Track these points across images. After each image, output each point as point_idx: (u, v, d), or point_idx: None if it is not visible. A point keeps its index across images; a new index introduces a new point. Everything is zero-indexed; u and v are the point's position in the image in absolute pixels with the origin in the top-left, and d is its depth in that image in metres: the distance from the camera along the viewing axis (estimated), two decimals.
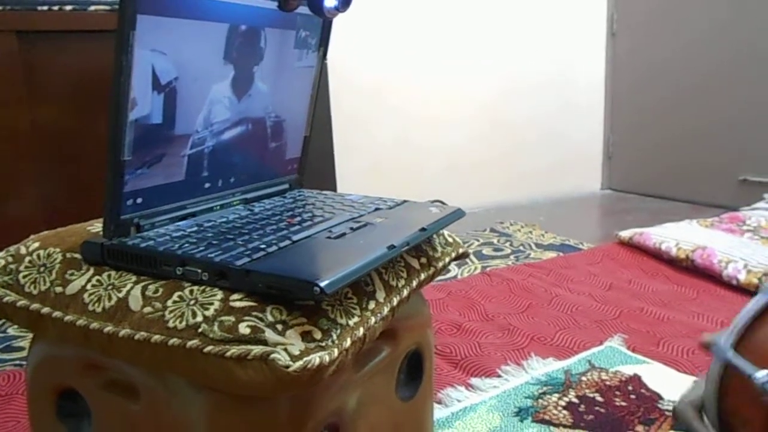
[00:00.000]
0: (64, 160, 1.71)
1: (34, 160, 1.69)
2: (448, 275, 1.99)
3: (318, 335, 0.50)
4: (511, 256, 2.17)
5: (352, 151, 2.65)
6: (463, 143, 3.02)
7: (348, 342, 0.52)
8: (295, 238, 0.58)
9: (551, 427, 1.09)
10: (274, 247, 0.55)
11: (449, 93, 2.96)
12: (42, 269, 0.60)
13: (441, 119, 2.95)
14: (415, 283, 0.66)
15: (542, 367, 1.32)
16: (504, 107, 3.11)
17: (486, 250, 2.26)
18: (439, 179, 2.94)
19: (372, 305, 0.58)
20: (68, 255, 0.60)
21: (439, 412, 1.15)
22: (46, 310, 0.57)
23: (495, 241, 2.39)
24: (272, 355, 0.47)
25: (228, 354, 0.48)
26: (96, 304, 0.55)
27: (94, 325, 0.54)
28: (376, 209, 0.72)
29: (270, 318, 0.49)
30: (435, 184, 2.94)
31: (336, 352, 0.50)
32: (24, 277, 0.60)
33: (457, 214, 0.73)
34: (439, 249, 0.73)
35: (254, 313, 0.50)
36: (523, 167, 3.20)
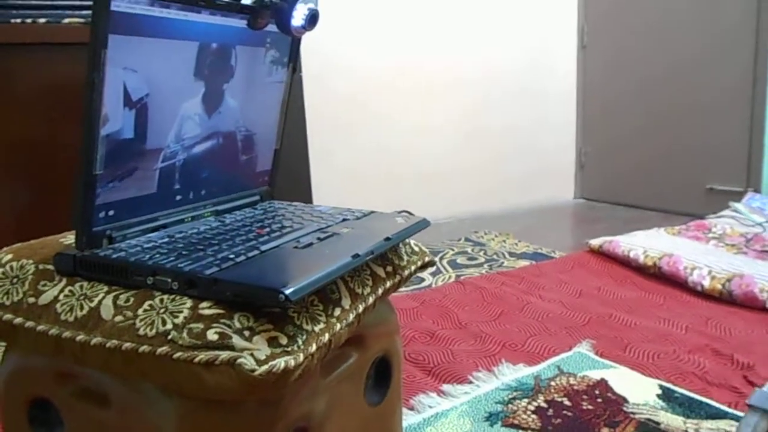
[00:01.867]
0: (35, 172, 1.71)
1: (5, 172, 1.68)
2: (422, 284, 2.01)
3: (284, 341, 0.52)
4: (485, 265, 2.20)
5: (328, 161, 2.67)
6: (439, 154, 3.07)
7: (313, 347, 0.54)
8: (263, 248, 0.61)
9: (520, 431, 1.12)
10: (243, 257, 0.57)
11: (425, 104, 3.00)
12: (15, 280, 0.61)
13: (417, 130, 2.99)
14: (380, 291, 0.69)
15: (512, 373, 1.35)
16: (479, 118, 3.16)
17: (460, 259, 2.29)
18: (415, 189, 2.98)
19: (337, 312, 0.60)
20: (41, 266, 0.62)
21: (411, 418, 1.17)
22: (18, 320, 0.59)
23: (469, 250, 2.43)
24: (239, 360, 0.49)
25: (197, 360, 0.50)
26: (68, 314, 0.56)
27: (67, 334, 0.56)
28: (344, 220, 0.75)
29: (237, 325, 0.52)
30: (410, 194, 2.98)
31: (301, 356, 0.52)
32: None
33: (422, 224, 0.75)
34: (405, 258, 0.76)
35: (222, 320, 0.52)
36: (498, 177, 3.25)
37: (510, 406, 1.21)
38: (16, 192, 1.69)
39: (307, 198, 2.01)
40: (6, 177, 1.68)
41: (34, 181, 1.70)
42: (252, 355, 0.50)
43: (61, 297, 0.58)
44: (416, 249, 0.79)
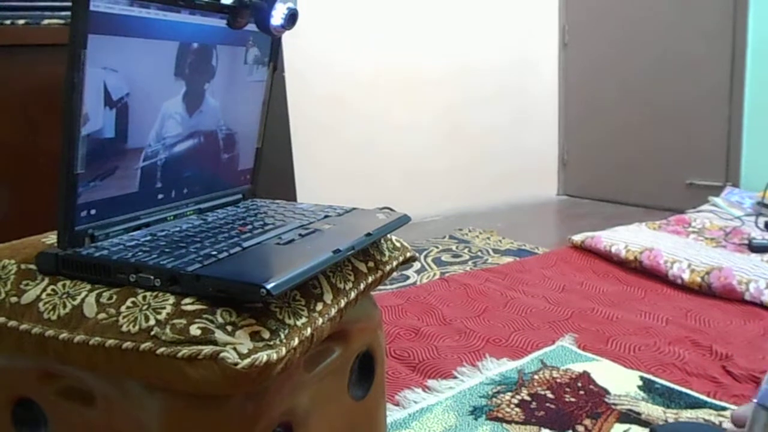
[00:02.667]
0: (16, 174, 1.70)
1: None
2: (407, 281, 2.03)
3: (266, 335, 0.53)
4: (470, 262, 2.22)
5: (312, 159, 2.68)
6: (424, 152, 3.08)
7: (296, 341, 0.55)
8: (245, 245, 0.61)
9: (504, 425, 1.14)
10: (225, 254, 0.58)
11: (408, 103, 3.02)
12: None
13: (401, 129, 3.01)
14: (362, 286, 0.70)
15: (496, 368, 1.36)
16: (463, 117, 3.19)
17: (445, 257, 2.31)
18: (399, 188, 2.99)
19: (319, 307, 0.61)
20: (23, 266, 0.62)
21: (396, 414, 1.18)
22: (0, 320, 0.59)
23: (454, 247, 2.44)
24: (222, 354, 0.50)
25: (180, 354, 0.50)
26: (51, 312, 0.57)
27: (50, 332, 0.56)
28: (326, 216, 0.75)
29: (220, 320, 0.52)
30: (395, 193, 2.99)
31: (284, 350, 0.53)
32: None
33: (403, 219, 0.76)
34: (387, 253, 0.77)
35: (205, 316, 0.52)
36: (482, 175, 3.28)
37: (494, 399, 1.23)
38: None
39: (291, 196, 2.01)
40: None
41: (15, 183, 1.69)
42: (235, 349, 0.50)
43: (43, 296, 0.58)
44: (398, 245, 0.80)
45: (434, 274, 2.09)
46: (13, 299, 0.59)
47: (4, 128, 1.69)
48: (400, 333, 1.56)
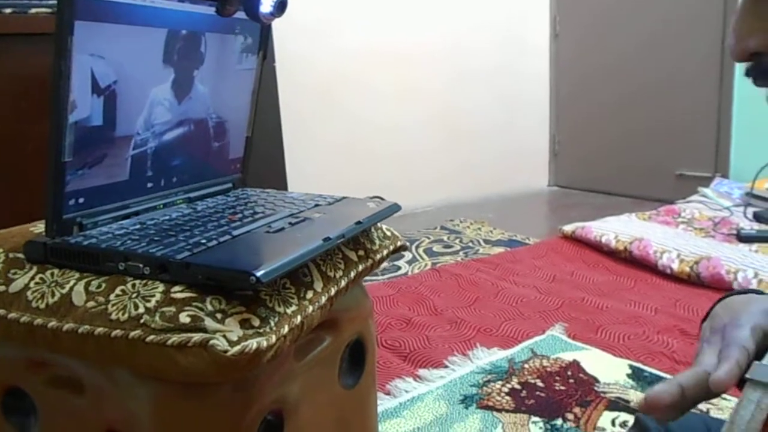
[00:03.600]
0: (4, 164, 1.68)
1: None
2: (399, 272, 2.03)
3: (256, 322, 0.53)
4: (461, 253, 2.23)
5: (302, 151, 2.67)
6: (415, 144, 3.08)
7: (286, 329, 0.55)
8: (235, 233, 0.61)
9: (494, 413, 1.15)
10: (214, 242, 0.58)
11: (400, 97, 3.01)
12: None
13: (394, 122, 3.00)
14: (353, 274, 0.70)
15: (487, 357, 1.37)
16: (454, 110, 3.19)
17: (436, 247, 2.31)
18: (390, 178, 2.99)
19: (310, 295, 0.61)
20: (11, 255, 0.61)
21: (387, 403, 1.19)
22: None
23: (445, 238, 2.45)
24: (211, 341, 0.50)
25: (169, 342, 0.50)
26: (39, 301, 0.56)
27: (38, 321, 0.56)
28: (316, 205, 0.75)
29: (210, 307, 0.52)
30: (386, 183, 2.98)
31: (274, 338, 0.53)
32: None
33: (393, 208, 0.76)
34: (377, 242, 0.77)
35: (194, 304, 0.52)
36: (474, 166, 3.28)
37: (485, 388, 1.24)
38: None
39: (281, 186, 2.01)
40: None
41: (2, 173, 1.68)
42: (224, 336, 0.50)
43: (31, 285, 0.58)
44: (388, 234, 0.80)
45: (425, 265, 2.09)
46: (1, 288, 0.59)
47: None
48: (392, 323, 1.57)
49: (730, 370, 0.49)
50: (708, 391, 0.51)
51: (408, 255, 2.20)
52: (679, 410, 0.53)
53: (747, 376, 0.40)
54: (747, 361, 0.50)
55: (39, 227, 0.68)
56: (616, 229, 2.13)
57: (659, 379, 1.24)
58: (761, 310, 0.55)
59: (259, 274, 0.50)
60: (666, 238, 2.03)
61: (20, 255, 0.61)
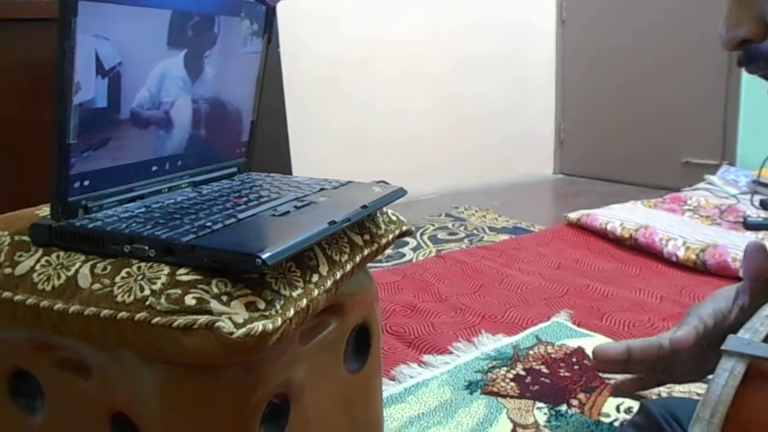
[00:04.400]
0: (9, 152, 1.69)
1: None
2: (403, 259, 2.03)
3: (262, 305, 0.53)
4: (465, 240, 2.22)
5: (306, 137, 2.66)
6: (420, 131, 3.07)
7: (291, 312, 0.55)
8: (240, 216, 0.61)
9: (499, 399, 1.15)
10: (220, 225, 0.58)
11: (406, 81, 2.99)
12: None
13: (398, 109, 2.99)
14: (358, 258, 0.69)
15: (492, 343, 1.37)
16: (459, 97, 3.17)
17: (441, 235, 2.31)
18: (395, 167, 2.98)
19: (315, 278, 0.61)
20: (16, 238, 0.61)
21: (392, 388, 1.19)
22: None
23: (450, 225, 2.44)
24: (217, 324, 0.50)
25: (175, 324, 0.50)
26: (45, 283, 0.56)
27: (44, 303, 0.56)
28: (321, 189, 0.75)
29: (215, 290, 0.52)
30: (390, 171, 2.97)
31: (279, 320, 0.53)
32: None
33: (399, 192, 0.76)
34: (383, 226, 0.77)
35: (200, 286, 0.52)
36: (479, 154, 3.27)
37: (489, 374, 1.24)
38: None
39: (286, 172, 2.01)
40: None
41: (6, 157, 1.68)
42: (230, 318, 0.50)
43: (37, 267, 0.58)
44: (394, 218, 0.80)
45: (430, 252, 2.09)
46: (7, 270, 0.59)
47: None
48: (396, 309, 1.57)
49: (687, 331, 0.58)
50: (661, 356, 0.60)
51: (413, 242, 2.20)
52: (623, 366, 0.63)
53: (722, 347, 0.44)
54: (704, 330, 0.59)
55: (44, 210, 0.67)
56: (622, 216, 2.13)
57: None
58: (725, 296, 0.63)
59: (264, 256, 0.49)
60: (672, 225, 2.02)
61: (26, 238, 0.61)
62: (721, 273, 1.72)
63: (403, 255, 2.07)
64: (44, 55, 1.67)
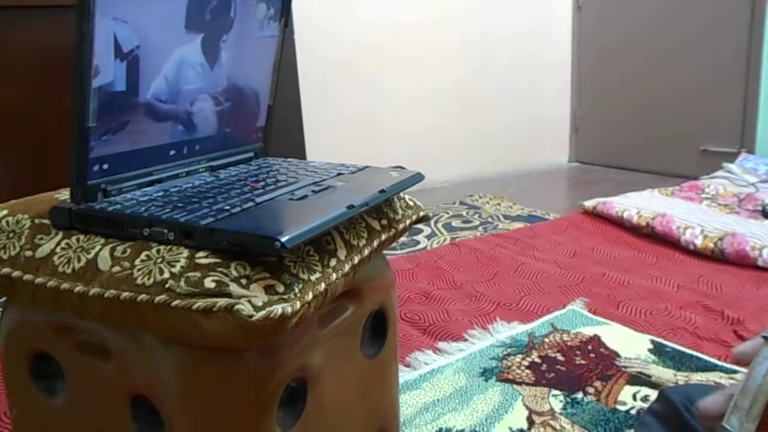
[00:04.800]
0: (28, 139, 1.70)
1: None
2: (418, 246, 2.03)
3: (281, 288, 0.53)
4: (480, 228, 2.22)
5: (320, 124, 2.66)
6: (434, 118, 3.05)
7: (310, 295, 0.55)
8: (258, 200, 0.61)
9: (514, 386, 1.14)
10: (238, 208, 0.58)
11: (420, 67, 2.97)
12: (11, 235, 0.61)
13: (411, 95, 2.97)
14: (375, 243, 0.69)
15: (507, 331, 1.37)
16: (473, 84, 3.14)
17: (455, 222, 2.30)
18: (410, 154, 2.97)
19: (333, 263, 0.61)
20: (37, 221, 0.62)
21: (407, 375, 1.19)
22: (16, 273, 0.59)
23: (464, 213, 2.43)
24: (236, 306, 0.50)
25: (194, 307, 0.50)
26: (66, 266, 0.57)
27: (65, 285, 0.56)
28: (338, 174, 0.75)
29: (234, 273, 0.52)
30: (406, 158, 2.96)
31: (298, 304, 0.53)
32: None
33: (417, 177, 0.76)
34: (400, 212, 0.76)
35: (219, 269, 0.52)
36: (493, 141, 3.25)
37: (504, 362, 1.23)
38: (9, 156, 1.68)
39: (301, 158, 2.02)
40: None
41: (25, 144, 1.69)
42: (249, 301, 0.50)
43: (58, 250, 0.58)
44: (411, 203, 0.80)
45: (444, 240, 2.08)
46: (28, 253, 0.59)
47: (14, 92, 1.68)
48: (411, 296, 1.57)
49: None
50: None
51: (427, 230, 2.19)
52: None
53: (762, 334, 0.42)
54: None
55: (64, 194, 0.68)
56: (639, 204, 2.11)
57: (681, 354, 1.23)
58: None
59: (284, 239, 0.49)
60: (689, 213, 2.00)
61: (46, 221, 0.61)
62: (740, 262, 1.71)
63: (418, 242, 2.07)
64: (61, 43, 1.68)
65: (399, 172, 0.76)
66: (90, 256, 0.56)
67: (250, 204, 0.59)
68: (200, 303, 0.50)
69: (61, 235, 0.59)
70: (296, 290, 0.54)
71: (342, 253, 0.63)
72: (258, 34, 0.77)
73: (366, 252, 0.67)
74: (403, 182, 0.73)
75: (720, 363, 1.19)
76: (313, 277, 0.57)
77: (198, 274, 0.52)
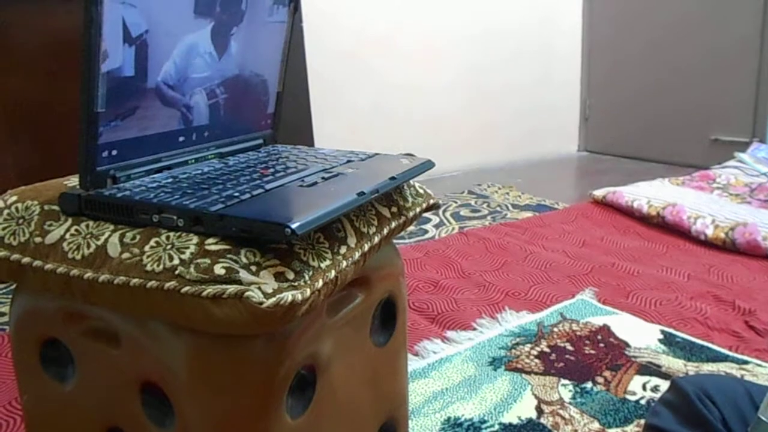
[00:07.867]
0: (37, 126, 1.70)
1: (7, 127, 1.67)
2: (426, 236, 2.02)
3: (291, 275, 0.52)
4: (488, 217, 2.21)
5: (329, 117, 2.65)
6: (442, 107, 3.04)
7: (320, 283, 0.55)
8: (267, 186, 0.60)
9: (523, 375, 1.14)
10: (248, 195, 0.57)
11: (428, 57, 2.96)
12: (21, 221, 0.61)
13: (419, 84, 2.96)
14: (385, 231, 0.69)
15: (516, 320, 1.36)
16: (482, 73, 3.12)
17: (464, 212, 2.29)
18: (418, 143, 2.95)
19: (343, 250, 0.60)
20: (46, 207, 0.61)
21: (415, 364, 1.19)
22: (26, 259, 0.59)
23: (473, 202, 2.42)
24: (246, 293, 0.49)
25: (204, 294, 0.50)
26: (75, 252, 0.57)
27: (75, 271, 0.56)
28: (348, 161, 0.74)
29: (244, 260, 0.52)
30: (414, 148, 2.95)
31: (308, 291, 0.53)
32: (3, 229, 0.61)
33: (427, 165, 0.75)
34: (410, 199, 0.76)
35: (229, 256, 0.52)
36: (502, 131, 3.23)
37: (513, 351, 1.23)
38: (18, 143, 1.69)
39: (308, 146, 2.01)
40: (7, 132, 1.68)
41: (36, 135, 1.70)
42: (259, 288, 0.50)
43: (67, 236, 0.58)
44: (421, 191, 0.79)
45: (453, 229, 2.08)
46: (38, 239, 0.59)
47: (22, 80, 1.68)
48: (419, 285, 1.56)
49: None
50: None
51: (435, 219, 2.19)
52: None
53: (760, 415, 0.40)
54: None
55: (73, 181, 0.68)
56: (649, 194, 2.09)
57: (692, 344, 1.22)
58: None
59: (294, 226, 0.49)
60: (700, 203, 1.98)
61: (55, 207, 0.61)
62: (751, 252, 1.69)
63: (426, 232, 2.06)
64: (70, 31, 1.67)
65: (409, 160, 0.75)
66: (99, 243, 0.56)
67: (260, 191, 0.59)
68: (210, 290, 0.50)
69: (70, 221, 0.59)
70: (306, 277, 0.53)
71: (352, 241, 0.62)
72: (267, 19, 0.77)
73: (376, 240, 0.66)
74: (414, 169, 0.72)
75: (731, 353, 1.19)
76: (323, 265, 0.56)
77: (208, 261, 0.51)
